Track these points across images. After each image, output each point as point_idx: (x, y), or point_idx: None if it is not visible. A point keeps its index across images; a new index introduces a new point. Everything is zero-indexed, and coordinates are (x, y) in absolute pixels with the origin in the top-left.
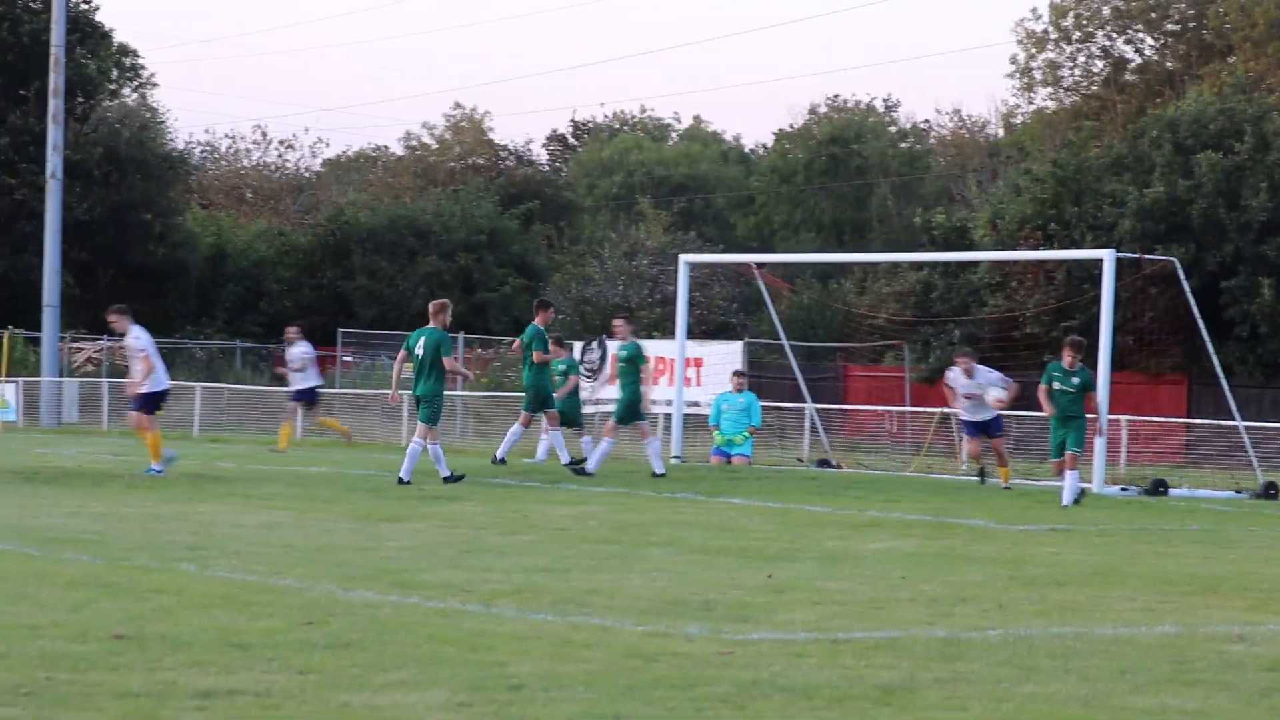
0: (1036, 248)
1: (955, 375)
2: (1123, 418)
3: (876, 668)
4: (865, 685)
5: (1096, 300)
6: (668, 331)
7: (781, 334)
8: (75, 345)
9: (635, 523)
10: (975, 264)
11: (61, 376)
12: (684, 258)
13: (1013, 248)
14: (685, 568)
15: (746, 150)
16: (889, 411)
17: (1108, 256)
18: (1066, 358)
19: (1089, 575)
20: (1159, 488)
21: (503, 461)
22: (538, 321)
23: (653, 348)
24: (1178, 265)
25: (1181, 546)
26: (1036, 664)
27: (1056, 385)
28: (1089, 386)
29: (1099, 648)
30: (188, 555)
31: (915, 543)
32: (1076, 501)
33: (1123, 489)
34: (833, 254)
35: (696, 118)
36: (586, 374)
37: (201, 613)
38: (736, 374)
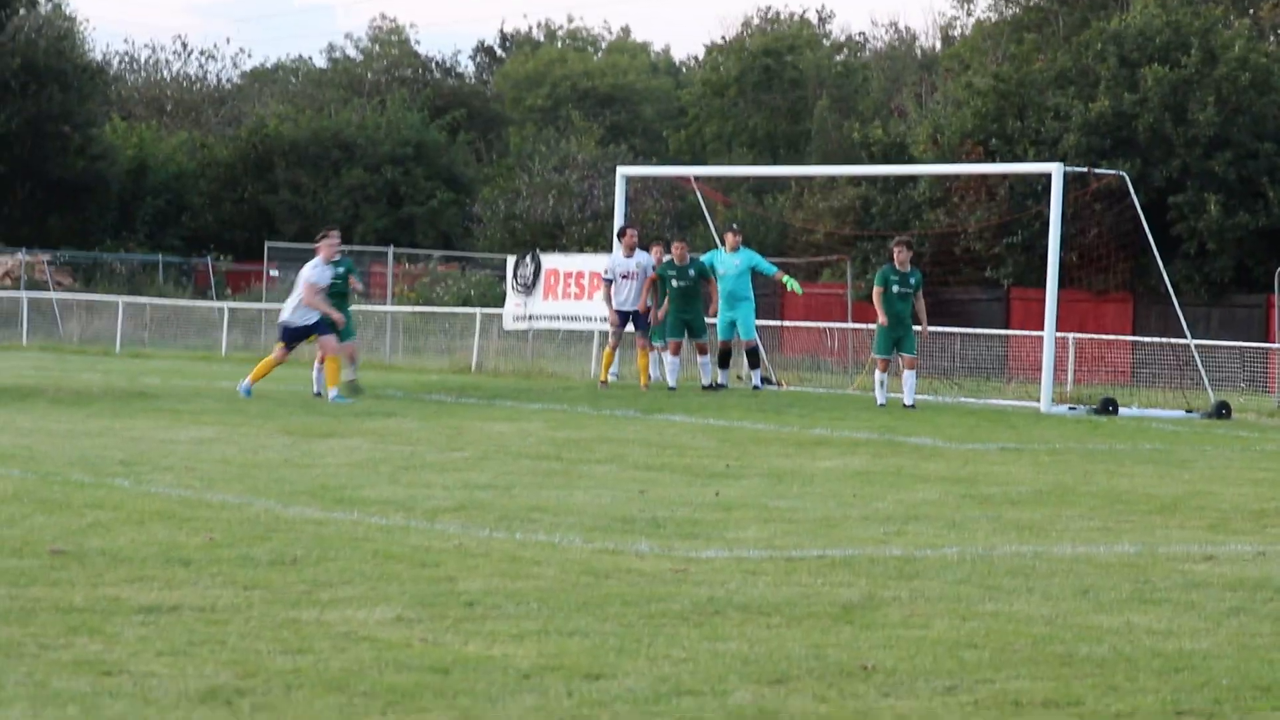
0: (978, 163)
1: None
2: (1070, 335)
3: (834, 585)
4: (824, 603)
5: (1039, 216)
6: (600, 247)
7: (721, 246)
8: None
9: (575, 439)
10: (915, 179)
11: None
12: (621, 170)
13: (953, 162)
14: (630, 485)
15: (677, 62)
16: (829, 329)
17: (1056, 170)
18: (901, 257)
19: (1043, 494)
20: (1109, 407)
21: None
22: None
23: (586, 263)
24: (1127, 179)
25: (1135, 466)
26: (997, 583)
27: (895, 289)
28: (920, 286)
29: (1059, 567)
30: (121, 470)
31: (863, 461)
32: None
33: (1070, 408)
34: (771, 167)
35: (625, 29)
36: (519, 288)
37: (139, 528)
38: (733, 230)
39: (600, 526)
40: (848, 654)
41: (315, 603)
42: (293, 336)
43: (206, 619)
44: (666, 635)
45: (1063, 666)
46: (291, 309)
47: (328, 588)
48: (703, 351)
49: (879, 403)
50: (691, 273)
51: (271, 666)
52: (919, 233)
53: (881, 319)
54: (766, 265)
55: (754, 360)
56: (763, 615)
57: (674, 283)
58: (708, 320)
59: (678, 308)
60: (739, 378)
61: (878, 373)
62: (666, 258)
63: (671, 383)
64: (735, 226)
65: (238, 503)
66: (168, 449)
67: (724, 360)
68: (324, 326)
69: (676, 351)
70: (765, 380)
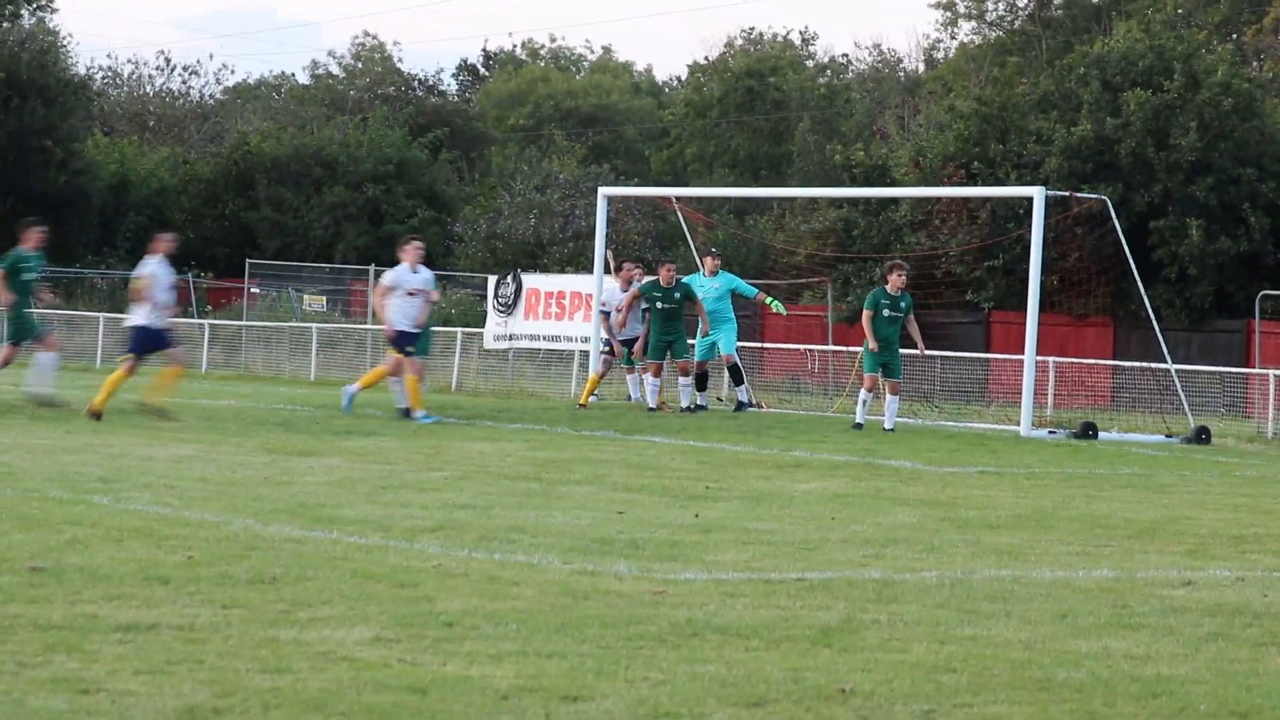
0: (960, 186)
1: None
2: (1050, 359)
3: (813, 608)
4: (802, 626)
5: (1020, 240)
6: (580, 267)
7: (701, 269)
8: None
9: (555, 460)
10: (897, 202)
11: None
12: (603, 190)
13: (935, 185)
14: (609, 506)
15: (659, 82)
16: (810, 351)
17: (1037, 194)
18: (896, 282)
19: (1022, 518)
20: (1089, 431)
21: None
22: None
23: (568, 283)
24: (1108, 204)
25: (1113, 491)
26: (975, 607)
27: (886, 312)
28: (910, 310)
29: (1038, 591)
30: (100, 488)
31: (843, 483)
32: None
33: (1050, 432)
34: (753, 189)
35: (606, 48)
36: (500, 308)
37: (118, 546)
38: (712, 254)
39: (579, 548)
40: (826, 677)
41: (294, 622)
42: (406, 342)
43: (185, 637)
44: (645, 657)
45: (1041, 691)
46: (403, 316)
47: (306, 607)
48: (684, 373)
49: (857, 422)
50: (677, 295)
51: (250, 686)
52: (900, 255)
53: (871, 344)
54: (747, 288)
55: (737, 377)
56: (741, 638)
57: (658, 304)
58: (690, 342)
59: (660, 329)
60: (719, 399)
61: (863, 391)
62: (649, 279)
63: (652, 404)
64: (715, 250)
65: (216, 521)
66: (146, 466)
67: (701, 383)
68: (414, 340)
69: (658, 373)
70: (745, 404)
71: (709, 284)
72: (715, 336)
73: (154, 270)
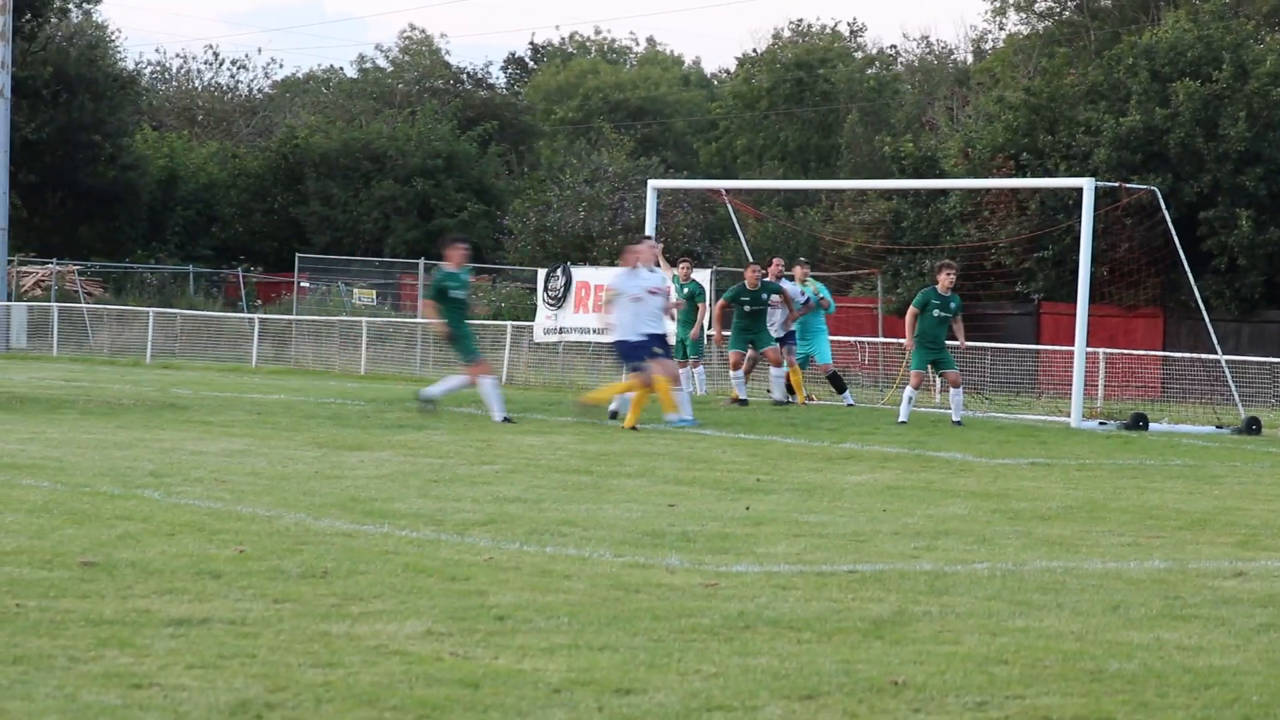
0: (1009, 177)
1: None
2: (1100, 350)
3: (864, 600)
4: (854, 618)
5: (1070, 231)
6: None
7: (749, 260)
8: (23, 269)
9: (606, 453)
10: (946, 193)
11: (9, 301)
12: (653, 183)
13: (984, 177)
14: (660, 499)
15: (708, 75)
16: (860, 343)
17: (1087, 185)
18: (946, 281)
19: (1073, 510)
20: (1139, 422)
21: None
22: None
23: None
24: (1158, 194)
25: (1164, 482)
26: (1027, 598)
27: (935, 312)
28: (959, 311)
29: (1089, 582)
30: (151, 482)
31: (893, 475)
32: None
33: (1101, 423)
34: (802, 181)
35: (650, 40)
36: (550, 302)
37: (169, 540)
38: (802, 262)
39: (630, 540)
40: (878, 669)
41: (346, 616)
42: (635, 354)
43: (237, 632)
44: (697, 650)
45: (1093, 682)
46: (624, 325)
47: (358, 601)
48: (776, 364)
49: (900, 419)
50: (764, 296)
51: (302, 680)
52: (949, 246)
53: (909, 342)
54: (830, 302)
55: (839, 385)
56: (793, 630)
57: (745, 307)
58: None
59: (744, 327)
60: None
61: (909, 389)
62: (735, 285)
63: (742, 395)
64: (803, 260)
65: (268, 515)
66: (198, 461)
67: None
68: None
69: (738, 364)
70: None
71: (799, 292)
72: (809, 348)
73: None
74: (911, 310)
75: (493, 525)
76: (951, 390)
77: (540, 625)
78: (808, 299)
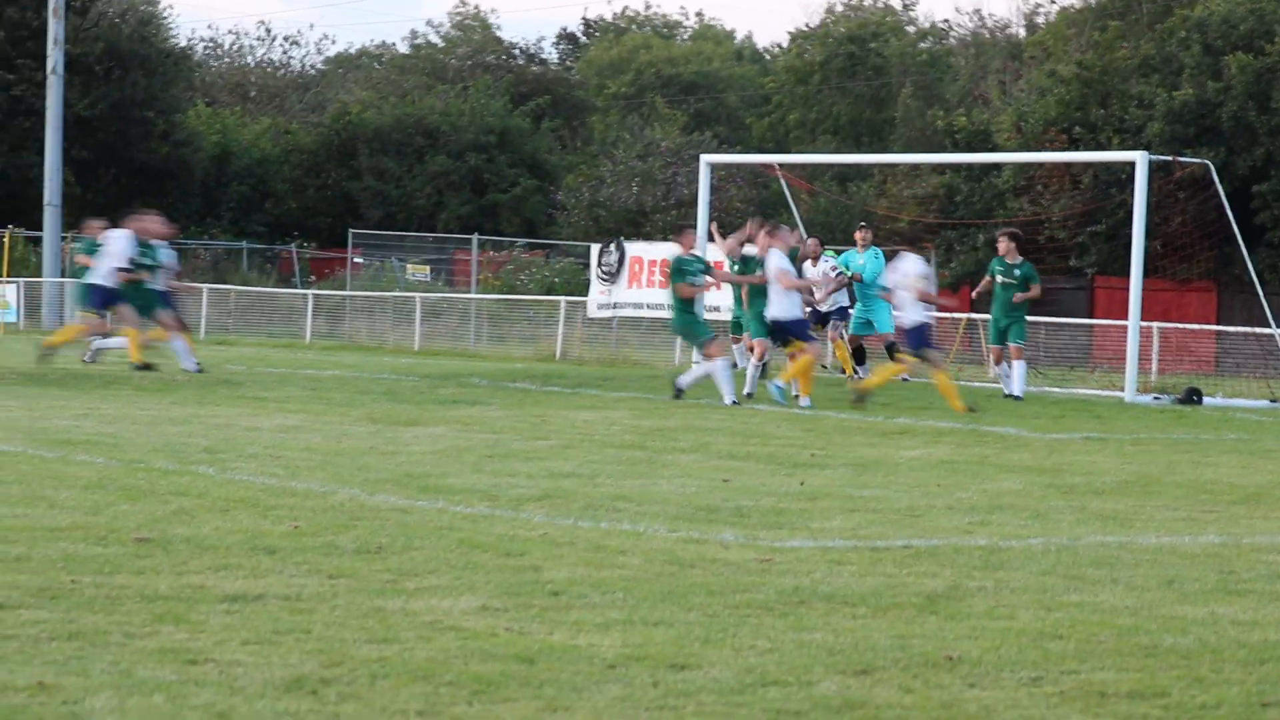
0: (1061, 151)
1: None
2: (1154, 324)
3: (919, 575)
4: (909, 593)
5: (1123, 205)
6: None
7: (804, 236)
8: (77, 245)
9: (660, 428)
10: (999, 167)
11: (63, 277)
12: (705, 158)
13: (1037, 151)
14: (714, 474)
15: (761, 49)
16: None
17: (1140, 158)
18: (1001, 248)
19: (1127, 484)
20: (1193, 396)
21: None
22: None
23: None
24: (1211, 168)
25: (1219, 456)
26: (1081, 573)
27: (1000, 278)
28: (1031, 278)
29: (1144, 557)
30: (205, 458)
31: (948, 450)
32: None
33: (1155, 397)
34: (855, 154)
35: (700, 14)
36: (603, 277)
37: (224, 516)
38: (862, 227)
39: (685, 515)
40: (933, 644)
41: (400, 592)
42: (786, 332)
43: (291, 608)
44: (751, 625)
45: (1148, 658)
46: (775, 304)
47: (413, 577)
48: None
49: (1005, 393)
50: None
51: (357, 656)
52: (1002, 221)
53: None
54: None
55: (893, 355)
56: (848, 605)
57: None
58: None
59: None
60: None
61: (992, 366)
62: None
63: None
64: (863, 224)
65: (322, 491)
66: (252, 436)
67: (859, 356)
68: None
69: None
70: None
71: (858, 260)
72: (869, 312)
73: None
74: (986, 279)
75: (547, 500)
76: (1014, 362)
77: (595, 601)
78: (839, 272)
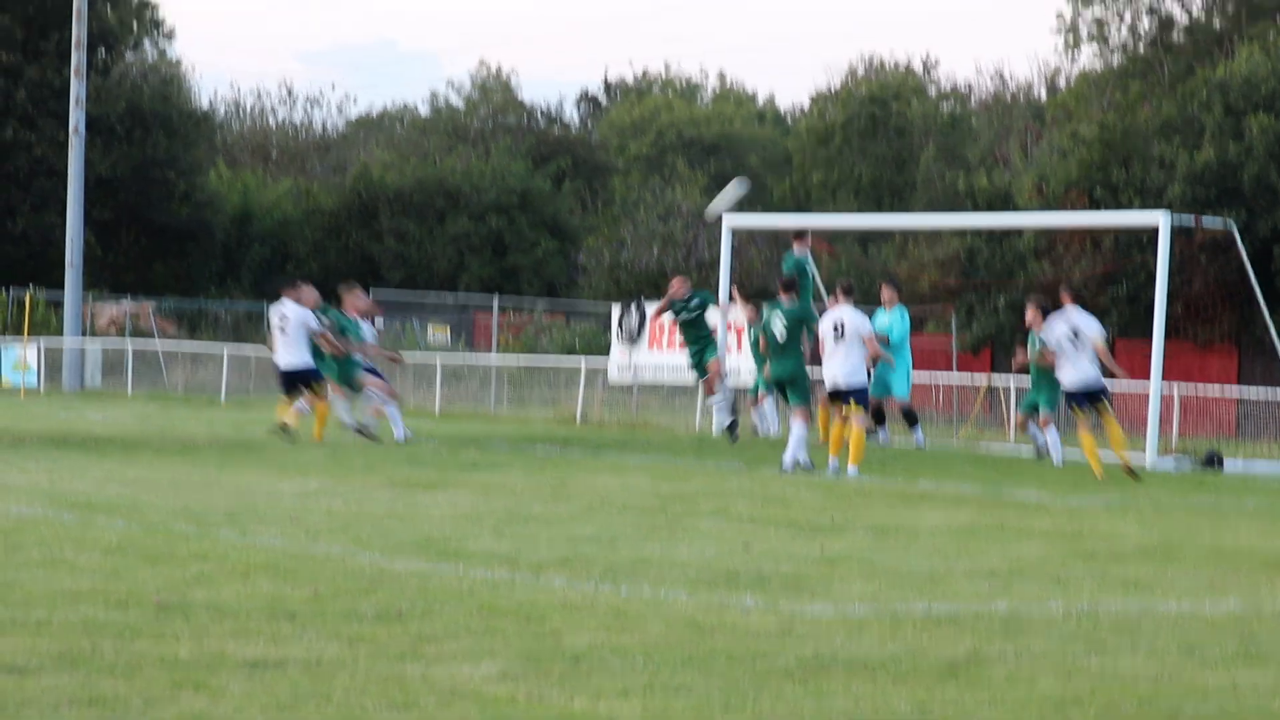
0: (1083, 212)
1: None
2: (1175, 385)
3: (940, 642)
4: (930, 660)
5: (1144, 267)
6: None
7: (825, 298)
8: (98, 307)
9: (680, 492)
10: (1020, 229)
11: (84, 338)
12: (727, 219)
13: (1058, 212)
14: (735, 538)
15: (782, 111)
16: (934, 380)
17: (1163, 220)
18: (1028, 317)
19: (1148, 550)
20: (1214, 460)
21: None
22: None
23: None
24: (1234, 229)
25: (1240, 521)
26: (1102, 639)
27: (1031, 347)
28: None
29: (1164, 624)
30: (226, 522)
31: (968, 516)
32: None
33: (1176, 461)
34: (876, 216)
35: (722, 75)
36: (625, 339)
37: (244, 581)
38: (889, 284)
39: (705, 580)
40: (954, 710)
41: (421, 657)
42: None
43: (312, 673)
44: (772, 691)
45: None
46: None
47: (433, 642)
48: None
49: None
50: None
51: None
52: (1023, 284)
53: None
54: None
55: (911, 419)
56: (868, 672)
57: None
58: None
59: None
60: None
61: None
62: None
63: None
64: (888, 282)
65: (342, 555)
66: (273, 501)
67: (879, 417)
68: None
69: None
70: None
71: (883, 319)
72: (888, 374)
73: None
74: (1022, 349)
75: (567, 565)
76: (1052, 430)
77: (615, 667)
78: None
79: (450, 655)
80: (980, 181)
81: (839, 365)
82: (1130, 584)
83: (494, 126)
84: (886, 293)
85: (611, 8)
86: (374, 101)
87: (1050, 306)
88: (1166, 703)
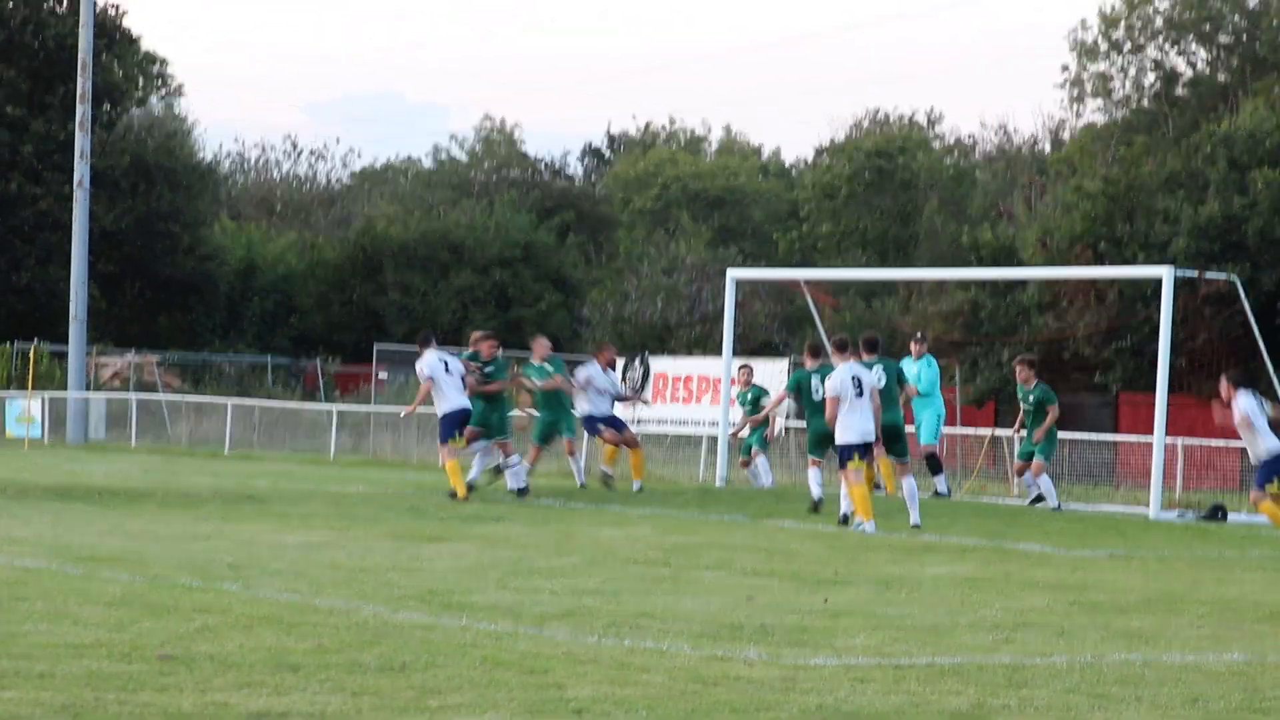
0: (1087, 266)
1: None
2: (1179, 440)
3: (943, 694)
4: (932, 712)
5: (1148, 320)
6: (708, 349)
7: (830, 352)
8: (102, 359)
9: (684, 545)
10: (1024, 283)
11: (88, 391)
12: (732, 273)
13: (1062, 266)
14: (738, 591)
15: (787, 165)
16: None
17: (1167, 274)
18: (1019, 375)
19: (1152, 602)
20: (1218, 513)
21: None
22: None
23: (695, 367)
24: (1238, 283)
25: (1244, 573)
26: (1106, 691)
27: (1022, 404)
28: (1047, 400)
29: (1168, 675)
30: (230, 574)
31: (972, 567)
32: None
33: (1180, 514)
34: (880, 270)
35: (726, 128)
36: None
37: (248, 633)
38: (918, 339)
39: (708, 633)
40: None
41: (424, 709)
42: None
43: None
44: None
45: None
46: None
47: (436, 694)
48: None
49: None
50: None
51: None
52: (1027, 338)
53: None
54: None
55: (935, 466)
56: None
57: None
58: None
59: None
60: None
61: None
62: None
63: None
64: (920, 335)
65: (346, 608)
66: (276, 553)
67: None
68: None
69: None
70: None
71: (912, 369)
72: (918, 420)
73: None
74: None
75: (571, 618)
76: (1045, 478)
77: (619, 718)
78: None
79: (453, 708)
80: (985, 235)
81: (864, 419)
82: (1134, 636)
83: (498, 180)
84: (916, 346)
85: (616, 62)
86: (378, 154)
87: (1035, 362)
88: None
